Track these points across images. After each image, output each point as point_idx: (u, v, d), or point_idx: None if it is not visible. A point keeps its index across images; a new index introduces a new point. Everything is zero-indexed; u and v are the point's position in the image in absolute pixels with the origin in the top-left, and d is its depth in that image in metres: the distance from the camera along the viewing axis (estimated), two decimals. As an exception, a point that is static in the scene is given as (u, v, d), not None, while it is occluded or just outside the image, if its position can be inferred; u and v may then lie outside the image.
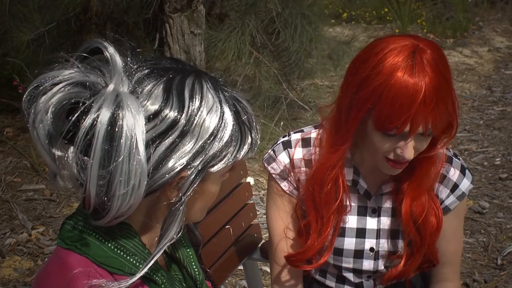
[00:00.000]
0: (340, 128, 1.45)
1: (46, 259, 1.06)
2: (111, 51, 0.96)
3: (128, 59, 0.99)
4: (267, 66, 4.74)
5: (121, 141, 0.90)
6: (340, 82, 1.49)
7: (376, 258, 1.62)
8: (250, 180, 3.98)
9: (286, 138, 1.60)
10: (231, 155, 1.02)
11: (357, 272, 1.65)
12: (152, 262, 1.00)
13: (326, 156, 1.50)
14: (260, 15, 4.56)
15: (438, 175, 1.55)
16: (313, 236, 1.55)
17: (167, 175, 0.96)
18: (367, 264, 1.62)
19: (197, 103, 0.97)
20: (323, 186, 1.51)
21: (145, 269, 0.99)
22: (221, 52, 4.38)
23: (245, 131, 1.04)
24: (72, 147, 0.93)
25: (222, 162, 1.01)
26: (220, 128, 0.99)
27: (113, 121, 0.90)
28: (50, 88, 0.91)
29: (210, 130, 0.98)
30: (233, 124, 1.01)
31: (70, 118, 0.92)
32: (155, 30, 4.38)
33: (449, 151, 1.59)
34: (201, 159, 0.98)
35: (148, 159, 0.94)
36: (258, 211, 3.33)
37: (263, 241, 2.30)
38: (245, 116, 1.04)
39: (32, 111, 0.91)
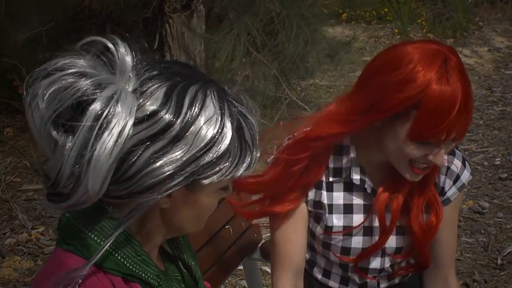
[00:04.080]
0: (351, 120, 1.45)
1: (46, 260, 1.06)
2: (122, 48, 0.95)
3: (139, 58, 0.98)
4: (266, 66, 4.73)
5: (104, 135, 0.89)
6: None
7: (383, 255, 1.63)
8: (250, 180, 3.97)
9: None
10: (226, 171, 0.99)
11: (363, 271, 1.65)
12: (102, 250, 0.97)
13: (318, 129, 1.51)
14: (260, 15, 4.56)
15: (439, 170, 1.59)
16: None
17: (151, 180, 0.94)
18: (374, 262, 1.63)
19: (196, 111, 0.95)
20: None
21: (98, 256, 0.97)
22: (221, 52, 4.37)
23: (245, 149, 1.01)
24: (63, 133, 0.91)
25: (216, 175, 0.98)
26: (217, 141, 0.96)
27: (103, 112, 0.89)
28: (50, 73, 0.91)
29: (206, 141, 0.95)
30: (232, 139, 0.98)
31: (69, 105, 0.91)
32: (155, 30, 4.37)
33: None
34: (189, 168, 0.96)
35: (135, 159, 0.93)
36: (258, 211, 3.32)
37: (263, 241, 2.30)
38: (249, 134, 1.01)
39: (31, 93, 0.91)
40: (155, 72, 0.97)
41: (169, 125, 0.94)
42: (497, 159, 4.56)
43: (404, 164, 1.45)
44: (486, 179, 4.25)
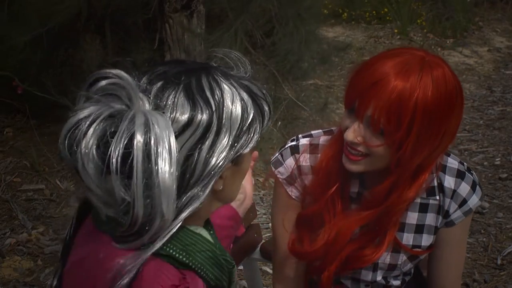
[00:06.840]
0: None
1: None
2: (117, 73, 0.99)
3: (135, 76, 1.03)
4: (265, 66, 4.74)
5: (158, 163, 0.94)
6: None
7: (374, 269, 1.61)
8: (250, 180, 3.96)
9: (294, 143, 1.58)
10: (259, 130, 1.08)
11: (355, 280, 1.65)
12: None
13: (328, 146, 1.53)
14: (259, 15, 4.56)
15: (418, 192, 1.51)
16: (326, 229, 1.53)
17: (212, 172, 1.02)
18: (365, 275, 1.62)
19: (219, 98, 1.03)
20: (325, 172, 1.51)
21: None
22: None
23: (261, 102, 1.09)
24: (113, 175, 0.95)
25: (253, 140, 1.07)
26: (246, 113, 1.05)
27: (149, 145, 0.94)
28: (87, 130, 0.96)
29: (239, 118, 1.04)
30: (252, 103, 1.06)
31: (108, 148, 0.95)
32: (155, 30, 4.37)
33: (463, 165, 1.58)
34: (236, 147, 1.04)
35: (194, 167, 1.00)
36: (258, 211, 3.32)
37: (263, 241, 2.30)
38: (255, 87, 1.09)
39: (79, 156, 0.96)
40: (160, 83, 1.02)
41: (209, 123, 1.01)
42: (497, 159, 4.56)
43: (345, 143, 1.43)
44: (486, 179, 4.25)
